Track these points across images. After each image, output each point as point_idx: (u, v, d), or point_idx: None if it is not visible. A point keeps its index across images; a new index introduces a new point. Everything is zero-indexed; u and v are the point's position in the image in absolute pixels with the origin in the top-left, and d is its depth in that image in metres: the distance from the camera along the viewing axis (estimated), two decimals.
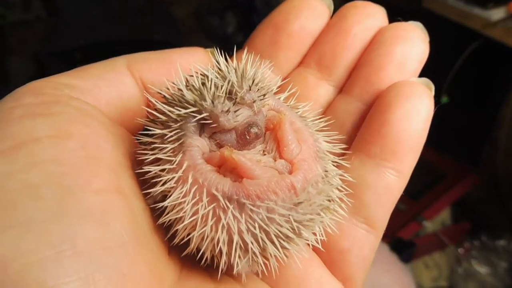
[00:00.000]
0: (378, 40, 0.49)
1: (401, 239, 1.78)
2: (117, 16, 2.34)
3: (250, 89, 0.41)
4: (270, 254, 0.40)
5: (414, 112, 0.44)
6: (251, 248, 0.39)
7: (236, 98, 0.41)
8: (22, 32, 2.35)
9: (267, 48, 0.53)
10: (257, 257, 0.40)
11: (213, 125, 0.41)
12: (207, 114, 0.40)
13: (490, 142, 1.96)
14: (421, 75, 0.49)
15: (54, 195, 0.33)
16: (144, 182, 0.41)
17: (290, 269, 0.44)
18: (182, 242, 0.41)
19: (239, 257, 0.40)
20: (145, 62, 0.47)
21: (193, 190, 0.39)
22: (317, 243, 0.43)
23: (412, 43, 0.48)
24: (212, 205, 0.38)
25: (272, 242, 0.39)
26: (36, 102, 0.39)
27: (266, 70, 0.45)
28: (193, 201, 0.39)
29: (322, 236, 0.43)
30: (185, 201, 0.39)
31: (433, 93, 0.46)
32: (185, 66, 0.45)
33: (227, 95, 0.41)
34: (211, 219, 0.38)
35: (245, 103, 0.41)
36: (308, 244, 0.44)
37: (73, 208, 0.33)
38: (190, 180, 0.39)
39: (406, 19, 0.51)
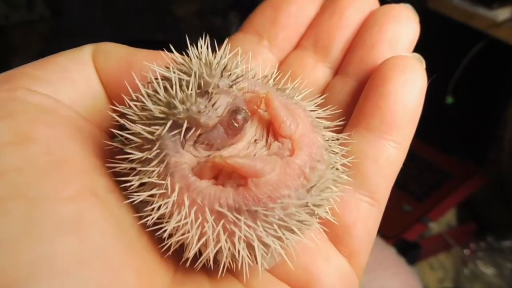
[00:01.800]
0: (371, 21, 0.50)
1: (406, 241, 1.78)
2: (120, 16, 2.34)
3: (222, 76, 0.37)
4: (290, 241, 0.38)
5: (410, 84, 0.45)
6: (274, 246, 0.37)
7: (208, 90, 0.37)
8: (26, 32, 2.35)
9: (266, 28, 0.53)
10: (280, 248, 0.37)
11: (195, 131, 0.37)
12: (184, 121, 0.36)
13: (496, 142, 1.95)
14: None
15: (21, 209, 0.30)
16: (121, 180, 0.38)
17: (297, 245, 0.42)
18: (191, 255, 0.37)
19: (263, 256, 0.37)
20: (106, 57, 0.44)
21: (193, 212, 0.35)
22: (330, 216, 0.41)
23: (403, 22, 0.49)
24: (220, 222, 0.35)
25: (293, 232, 0.37)
26: None
27: (235, 55, 0.42)
28: (197, 223, 0.35)
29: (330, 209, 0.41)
30: (187, 223, 0.35)
31: (424, 66, 0.47)
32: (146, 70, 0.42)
33: (198, 91, 0.37)
34: (224, 235, 0.35)
35: (221, 91, 0.38)
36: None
37: (44, 221, 0.30)
38: (187, 203, 0.35)
39: None
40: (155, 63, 0.40)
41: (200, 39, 0.41)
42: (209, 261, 0.37)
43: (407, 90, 0.44)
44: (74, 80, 0.41)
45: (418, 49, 0.49)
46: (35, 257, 0.29)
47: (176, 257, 0.40)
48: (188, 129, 0.36)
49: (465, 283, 1.79)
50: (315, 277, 0.43)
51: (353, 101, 0.49)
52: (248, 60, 0.43)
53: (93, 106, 0.42)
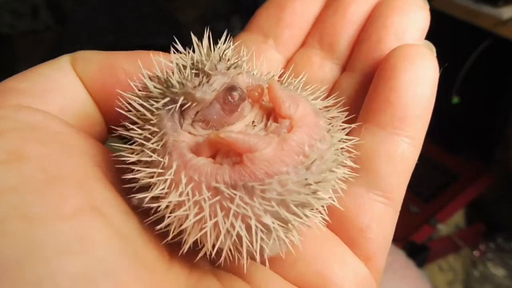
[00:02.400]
0: (376, 13, 0.49)
1: (414, 243, 1.76)
2: (123, 22, 2.35)
3: (220, 60, 0.38)
4: (293, 226, 0.37)
5: (421, 76, 0.43)
6: (274, 228, 0.36)
7: (205, 70, 0.38)
8: (31, 41, 2.37)
9: (271, 27, 0.53)
10: (282, 234, 0.37)
11: (192, 106, 0.38)
12: (180, 97, 0.37)
13: (503, 141, 1.93)
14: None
15: (21, 229, 0.29)
16: (125, 189, 0.38)
17: (309, 250, 0.42)
18: (190, 245, 0.37)
19: (263, 240, 0.36)
20: (86, 63, 0.43)
21: (189, 189, 0.35)
22: (334, 201, 0.40)
23: (410, 11, 0.47)
24: (216, 198, 0.35)
25: (294, 214, 0.36)
26: None
27: (251, 56, 0.43)
28: (193, 199, 0.35)
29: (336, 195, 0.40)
30: (184, 201, 0.35)
31: (434, 54, 0.45)
32: (131, 71, 0.43)
33: (195, 72, 0.38)
34: (221, 213, 0.35)
35: (218, 73, 0.38)
36: (326, 224, 0.42)
37: (45, 241, 0.29)
38: (184, 180, 0.35)
39: None
40: (153, 57, 0.40)
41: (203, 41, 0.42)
42: (209, 247, 0.36)
43: (418, 82, 0.43)
44: (59, 89, 0.40)
45: None
46: (39, 279, 0.28)
47: (186, 263, 0.39)
48: (184, 105, 0.37)
49: (475, 285, 1.77)
50: (330, 282, 0.42)
51: (360, 96, 0.48)
52: (253, 60, 0.44)
53: (82, 113, 0.42)
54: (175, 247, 0.38)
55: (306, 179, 0.36)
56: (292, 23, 0.53)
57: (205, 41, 0.40)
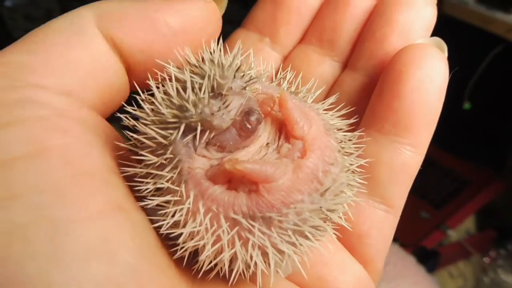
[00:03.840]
0: (380, 9, 0.47)
1: (425, 249, 1.76)
2: None
3: (235, 77, 0.36)
4: (305, 248, 0.37)
5: (428, 81, 0.41)
6: (288, 253, 0.36)
7: (222, 92, 0.36)
8: None
9: (267, 25, 0.51)
10: (295, 257, 0.37)
11: (209, 133, 0.36)
12: (197, 124, 0.35)
13: None
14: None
15: (44, 234, 0.28)
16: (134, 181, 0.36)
17: (311, 254, 0.42)
18: (208, 267, 0.36)
19: (277, 263, 0.36)
20: (117, 19, 0.38)
21: (207, 219, 0.35)
22: (344, 222, 0.40)
23: (416, 8, 0.45)
24: (235, 229, 0.35)
25: (307, 238, 0.36)
26: None
27: (249, 55, 0.41)
28: (211, 230, 0.35)
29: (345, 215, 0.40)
30: (201, 230, 0.35)
31: (446, 54, 0.43)
32: (174, 24, 0.38)
33: (211, 93, 0.36)
34: (238, 242, 0.35)
35: (234, 93, 0.36)
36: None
37: (69, 246, 0.28)
38: (202, 210, 0.35)
39: None
40: (170, 63, 0.37)
41: (212, 41, 0.41)
42: (223, 269, 0.36)
43: (425, 87, 0.41)
44: (81, 60, 0.36)
45: None
46: (64, 285, 0.27)
47: (192, 269, 0.39)
48: (202, 132, 0.36)
49: None
50: (330, 285, 0.43)
51: (364, 97, 0.46)
52: (249, 58, 0.42)
53: (108, 87, 0.38)
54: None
55: (320, 207, 0.36)
56: (288, 21, 0.50)
57: (217, 50, 0.39)
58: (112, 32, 0.37)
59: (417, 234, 1.80)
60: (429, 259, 1.71)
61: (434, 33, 0.46)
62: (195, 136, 0.36)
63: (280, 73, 0.45)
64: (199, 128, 0.35)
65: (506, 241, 1.85)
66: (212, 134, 0.37)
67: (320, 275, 0.42)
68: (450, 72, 0.42)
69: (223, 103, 0.36)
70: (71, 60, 0.35)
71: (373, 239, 0.44)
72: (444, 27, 0.47)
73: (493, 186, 1.94)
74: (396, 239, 1.70)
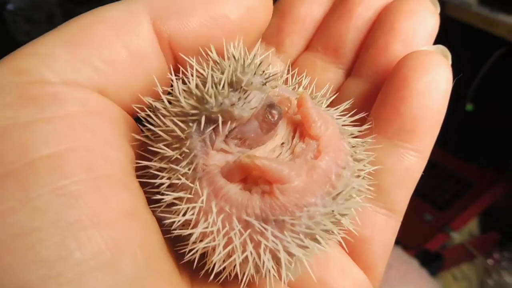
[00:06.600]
0: (383, 17, 0.47)
1: (428, 251, 1.75)
2: None
3: (255, 74, 0.36)
4: (314, 251, 0.37)
5: (433, 86, 0.41)
6: (299, 256, 0.36)
7: (241, 87, 0.36)
8: None
9: (272, 36, 0.52)
10: (305, 261, 0.37)
11: (230, 125, 0.36)
12: (218, 115, 0.35)
13: None
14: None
15: (49, 242, 0.28)
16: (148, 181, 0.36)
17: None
18: (218, 268, 0.36)
19: (287, 266, 0.36)
20: (175, 14, 0.37)
21: (220, 220, 0.34)
22: (352, 227, 0.40)
23: (419, 16, 0.45)
24: (247, 232, 0.34)
25: (317, 242, 0.36)
26: (19, 101, 0.31)
27: (269, 54, 0.42)
28: (224, 231, 0.34)
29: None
30: (213, 232, 0.34)
31: (450, 62, 0.43)
32: (233, 17, 0.38)
33: (230, 88, 0.36)
34: (250, 245, 0.35)
35: (255, 88, 0.36)
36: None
37: (75, 256, 0.28)
38: (214, 210, 0.34)
39: None
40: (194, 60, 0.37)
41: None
42: (232, 272, 0.36)
43: (430, 93, 0.41)
44: (124, 61, 0.36)
45: None
46: None
47: (192, 270, 0.39)
48: (223, 124, 0.36)
49: None
50: None
51: (367, 104, 0.46)
52: (268, 58, 0.42)
53: (146, 88, 0.38)
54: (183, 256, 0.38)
55: (332, 210, 0.36)
56: (292, 31, 0.51)
57: (238, 51, 0.39)
58: (168, 29, 0.37)
59: (420, 236, 1.80)
60: (432, 262, 1.71)
61: (437, 35, 0.47)
62: (214, 129, 0.36)
63: (296, 79, 0.45)
64: (220, 119, 0.35)
65: (510, 243, 1.84)
66: (234, 125, 0.36)
67: (320, 279, 0.42)
68: (454, 78, 0.43)
69: (244, 95, 0.36)
70: (114, 59, 0.35)
71: (375, 244, 0.44)
72: (447, 29, 0.47)
73: (496, 188, 1.93)
74: (399, 241, 1.69)
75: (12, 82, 0.31)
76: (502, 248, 1.84)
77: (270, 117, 0.37)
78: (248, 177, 0.37)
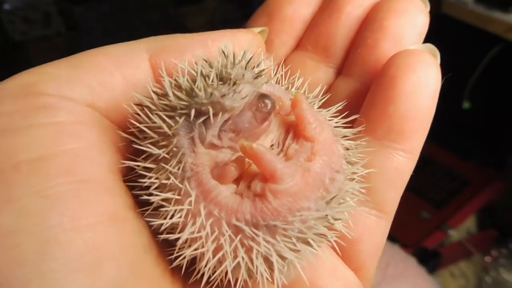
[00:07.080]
0: (372, 16, 0.47)
1: (426, 249, 1.75)
2: (133, 28, 2.38)
3: (246, 68, 0.36)
4: (307, 254, 0.36)
5: (422, 86, 0.41)
6: (291, 260, 0.35)
7: (231, 79, 0.35)
8: (43, 47, 2.41)
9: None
10: (297, 264, 0.36)
11: (221, 116, 0.35)
12: (208, 107, 0.34)
13: None
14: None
15: (33, 242, 0.28)
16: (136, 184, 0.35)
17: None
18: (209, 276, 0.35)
19: (280, 270, 0.35)
20: (173, 52, 0.40)
21: (208, 224, 0.33)
22: (345, 230, 0.39)
23: (408, 15, 0.45)
24: (238, 237, 0.33)
25: (310, 245, 0.36)
26: (16, 109, 0.32)
27: (260, 52, 0.41)
28: (213, 237, 0.33)
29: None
30: (201, 237, 0.33)
31: (438, 60, 0.43)
32: (226, 51, 0.39)
33: (220, 82, 0.35)
34: (241, 250, 0.34)
35: (246, 81, 0.36)
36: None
37: (57, 257, 0.28)
38: (203, 213, 0.33)
39: None
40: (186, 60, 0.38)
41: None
42: (224, 277, 0.35)
43: (418, 92, 0.40)
44: (119, 84, 0.37)
45: None
46: None
47: (185, 274, 0.38)
48: (214, 116, 0.34)
49: None
50: None
51: (357, 104, 0.46)
52: (259, 56, 0.42)
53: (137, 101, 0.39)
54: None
55: (326, 215, 0.36)
56: (282, 31, 0.51)
57: (229, 48, 0.38)
58: (164, 61, 0.39)
59: (418, 234, 1.80)
60: (430, 260, 1.71)
61: (433, 33, 0.47)
62: (205, 123, 0.35)
63: (288, 79, 0.45)
64: (211, 111, 0.34)
65: (507, 240, 1.85)
66: (226, 116, 0.36)
67: (312, 282, 0.42)
68: (443, 78, 0.42)
69: (234, 87, 0.35)
70: (110, 82, 0.37)
71: (365, 245, 0.44)
72: (443, 27, 0.47)
73: (493, 186, 1.94)
74: (397, 239, 1.70)
75: (15, 94, 0.33)
76: (500, 246, 1.85)
77: (263, 105, 0.36)
78: (241, 178, 0.36)
